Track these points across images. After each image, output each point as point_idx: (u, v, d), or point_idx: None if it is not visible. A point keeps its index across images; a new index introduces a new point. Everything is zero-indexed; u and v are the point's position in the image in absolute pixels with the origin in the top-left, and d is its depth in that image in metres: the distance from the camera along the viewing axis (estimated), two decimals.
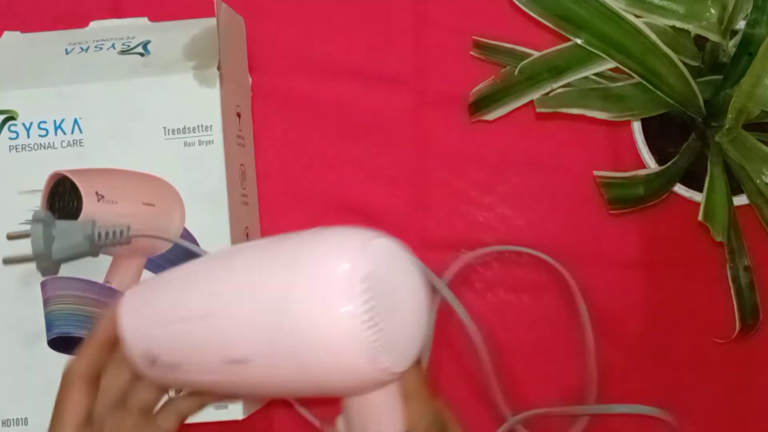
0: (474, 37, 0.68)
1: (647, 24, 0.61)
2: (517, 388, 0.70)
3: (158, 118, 0.62)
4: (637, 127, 0.66)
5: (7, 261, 0.62)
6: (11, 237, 0.62)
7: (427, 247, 0.71)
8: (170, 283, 0.45)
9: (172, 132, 0.62)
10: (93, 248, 0.59)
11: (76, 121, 0.63)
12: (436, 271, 0.70)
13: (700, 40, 0.64)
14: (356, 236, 0.41)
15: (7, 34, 0.69)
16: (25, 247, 0.62)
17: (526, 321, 0.71)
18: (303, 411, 0.70)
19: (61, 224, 0.59)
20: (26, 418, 0.63)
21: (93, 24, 0.69)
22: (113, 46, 0.66)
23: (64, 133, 0.63)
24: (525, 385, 0.70)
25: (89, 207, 0.60)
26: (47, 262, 0.59)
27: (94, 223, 0.59)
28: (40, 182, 0.62)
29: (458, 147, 0.71)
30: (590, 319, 0.70)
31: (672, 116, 0.65)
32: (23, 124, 0.63)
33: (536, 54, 0.63)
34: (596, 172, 0.63)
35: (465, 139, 0.71)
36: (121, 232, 0.59)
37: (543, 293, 0.71)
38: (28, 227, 0.61)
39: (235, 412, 0.62)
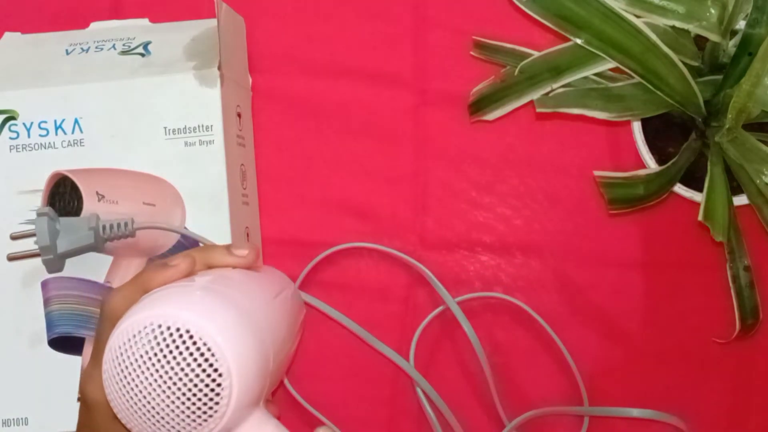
0: (474, 37, 0.68)
1: (647, 24, 0.61)
2: (516, 389, 0.70)
3: (159, 118, 0.62)
4: (637, 127, 0.66)
5: (12, 258, 0.62)
6: (15, 237, 0.62)
7: (427, 247, 0.71)
8: None
9: (173, 132, 0.62)
10: (98, 241, 0.59)
11: (76, 121, 0.63)
12: (436, 272, 0.70)
13: (700, 40, 0.64)
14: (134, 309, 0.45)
15: (7, 35, 0.69)
16: (28, 246, 0.62)
17: (524, 321, 0.70)
18: (309, 407, 0.70)
19: (65, 220, 0.59)
20: (26, 418, 0.63)
21: (93, 25, 0.69)
22: (114, 46, 0.66)
23: (65, 133, 0.63)
24: (525, 386, 0.70)
25: (90, 207, 0.60)
26: (53, 257, 0.59)
27: (98, 217, 0.59)
28: (41, 182, 0.62)
29: (458, 147, 0.71)
30: (590, 319, 0.70)
31: (672, 116, 0.65)
32: (24, 124, 0.63)
33: (536, 54, 0.63)
34: (596, 172, 0.63)
35: (465, 139, 0.71)
36: (125, 224, 0.59)
37: (541, 293, 0.71)
38: (31, 227, 0.61)
39: None
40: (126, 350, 0.43)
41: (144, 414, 0.43)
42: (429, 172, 0.71)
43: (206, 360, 0.43)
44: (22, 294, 0.63)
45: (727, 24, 0.61)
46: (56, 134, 0.63)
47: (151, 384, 0.43)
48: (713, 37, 0.62)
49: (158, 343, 0.43)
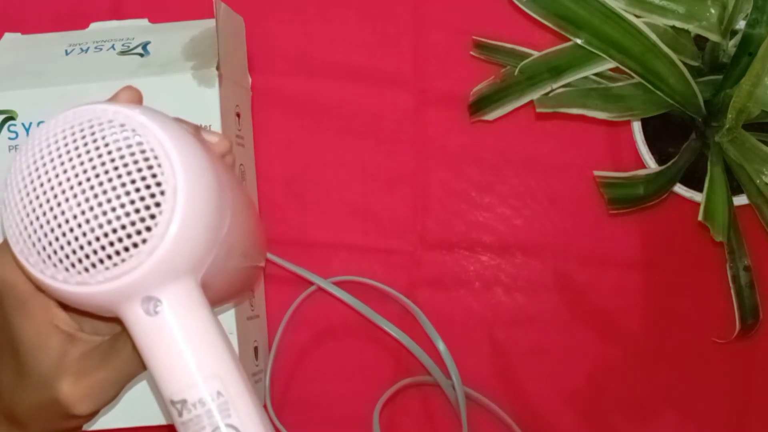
0: (474, 37, 0.68)
1: (647, 24, 0.61)
2: (516, 388, 0.70)
3: None
4: (637, 127, 0.66)
5: None
6: None
7: (427, 247, 0.71)
8: None
9: None
10: None
11: None
12: (436, 272, 0.70)
13: (700, 40, 0.64)
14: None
15: (7, 35, 0.69)
16: None
17: (524, 321, 0.70)
18: None
19: None
20: None
21: (93, 25, 0.69)
22: (113, 46, 0.66)
23: None
24: (524, 384, 0.70)
25: None
26: None
27: None
28: None
29: (458, 147, 0.71)
30: (590, 319, 0.70)
31: (672, 116, 0.65)
32: (23, 124, 0.63)
33: (536, 54, 0.63)
34: (596, 172, 0.63)
35: (465, 139, 0.71)
36: None
37: (541, 293, 0.71)
38: None
39: None
40: (49, 145, 0.34)
41: (49, 231, 0.34)
42: (429, 172, 0.71)
43: (150, 168, 0.34)
44: None
45: (727, 24, 0.61)
46: None
47: (73, 190, 0.33)
48: (713, 37, 0.62)
49: (95, 140, 0.34)
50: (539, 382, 0.70)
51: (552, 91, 0.62)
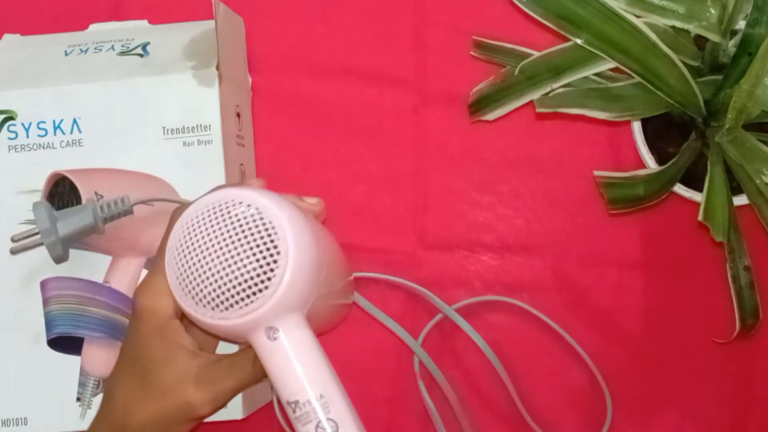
0: (474, 37, 0.68)
1: (647, 24, 0.60)
2: (516, 388, 0.70)
3: (157, 118, 0.62)
4: (637, 127, 0.66)
5: (15, 248, 0.62)
6: (15, 244, 0.62)
7: (427, 247, 0.71)
8: None
9: (171, 132, 0.62)
10: (96, 220, 0.59)
11: (75, 121, 0.63)
12: (436, 272, 0.70)
13: (700, 40, 0.64)
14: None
15: (7, 36, 0.69)
16: (28, 257, 0.62)
17: (524, 321, 0.70)
18: None
19: (63, 212, 0.60)
20: (26, 418, 0.63)
21: (93, 26, 0.69)
22: (113, 47, 0.66)
23: (63, 133, 0.63)
24: (528, 386, 0.70)
25: None
26: (54, 239, 0.59)
27: (95, 197, 0.59)
28: (40, 182, 0.62)
29: (458, 147, 0.71)
30: (590, 319, 0.70)
31: (672, 116, 0.65)
32: (22, 124, 0.63)
33: (536, 54, 0.63)
34: (596, 172, 0.63)
35: (465, 139, 0.71)
36: (122, 201, 0.59)
37: (541, 293, 0.70)
38: (31, 226, 0.61)
39: (234, 411, 0.61)
40: (197, 220, 0.47)
41: (200, 282, 0.46)
42: (429, 172, 0.71)
43: (269, 235, 0.46)
44: (22, 293, 0.63)
45: (727, 24, 0.61)
46: (55, 134, 0.63)
47: (215, 252, 0.46)
48: (713, 37, 0.62)
49: (229, 215, 0.46)
50: (539, 381, 0.70)
51: (552, 91, 0.62)
